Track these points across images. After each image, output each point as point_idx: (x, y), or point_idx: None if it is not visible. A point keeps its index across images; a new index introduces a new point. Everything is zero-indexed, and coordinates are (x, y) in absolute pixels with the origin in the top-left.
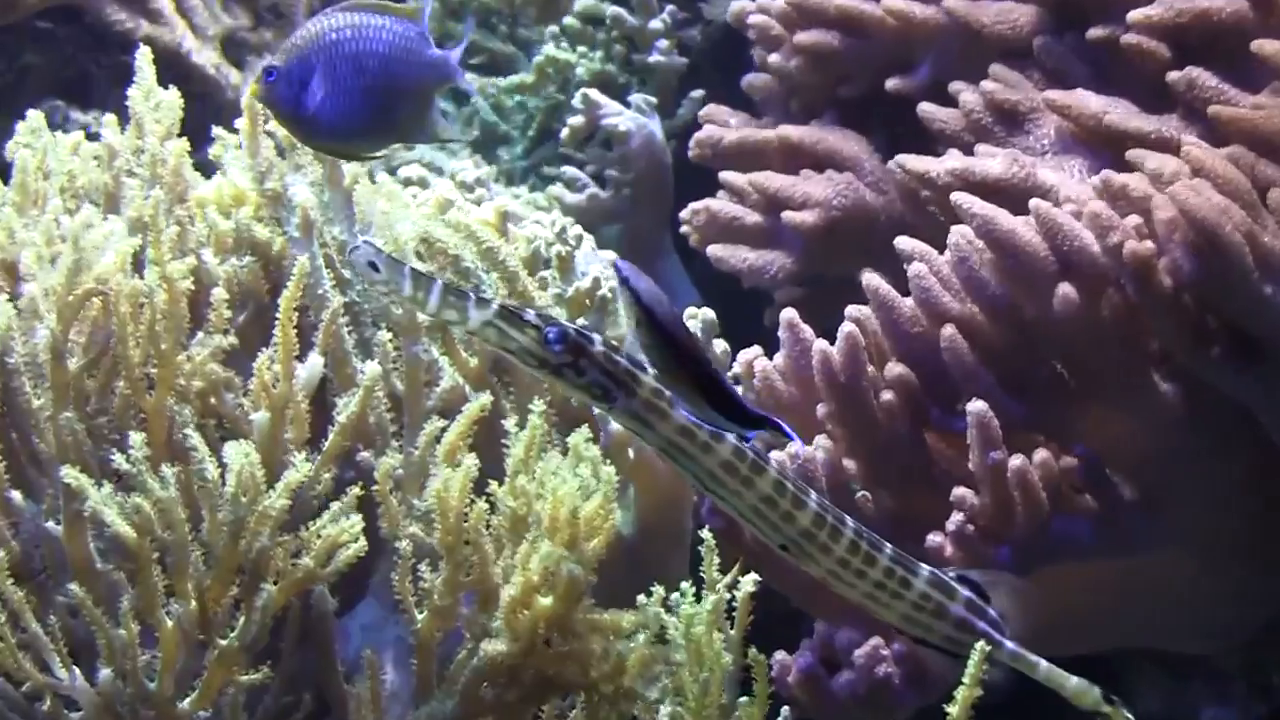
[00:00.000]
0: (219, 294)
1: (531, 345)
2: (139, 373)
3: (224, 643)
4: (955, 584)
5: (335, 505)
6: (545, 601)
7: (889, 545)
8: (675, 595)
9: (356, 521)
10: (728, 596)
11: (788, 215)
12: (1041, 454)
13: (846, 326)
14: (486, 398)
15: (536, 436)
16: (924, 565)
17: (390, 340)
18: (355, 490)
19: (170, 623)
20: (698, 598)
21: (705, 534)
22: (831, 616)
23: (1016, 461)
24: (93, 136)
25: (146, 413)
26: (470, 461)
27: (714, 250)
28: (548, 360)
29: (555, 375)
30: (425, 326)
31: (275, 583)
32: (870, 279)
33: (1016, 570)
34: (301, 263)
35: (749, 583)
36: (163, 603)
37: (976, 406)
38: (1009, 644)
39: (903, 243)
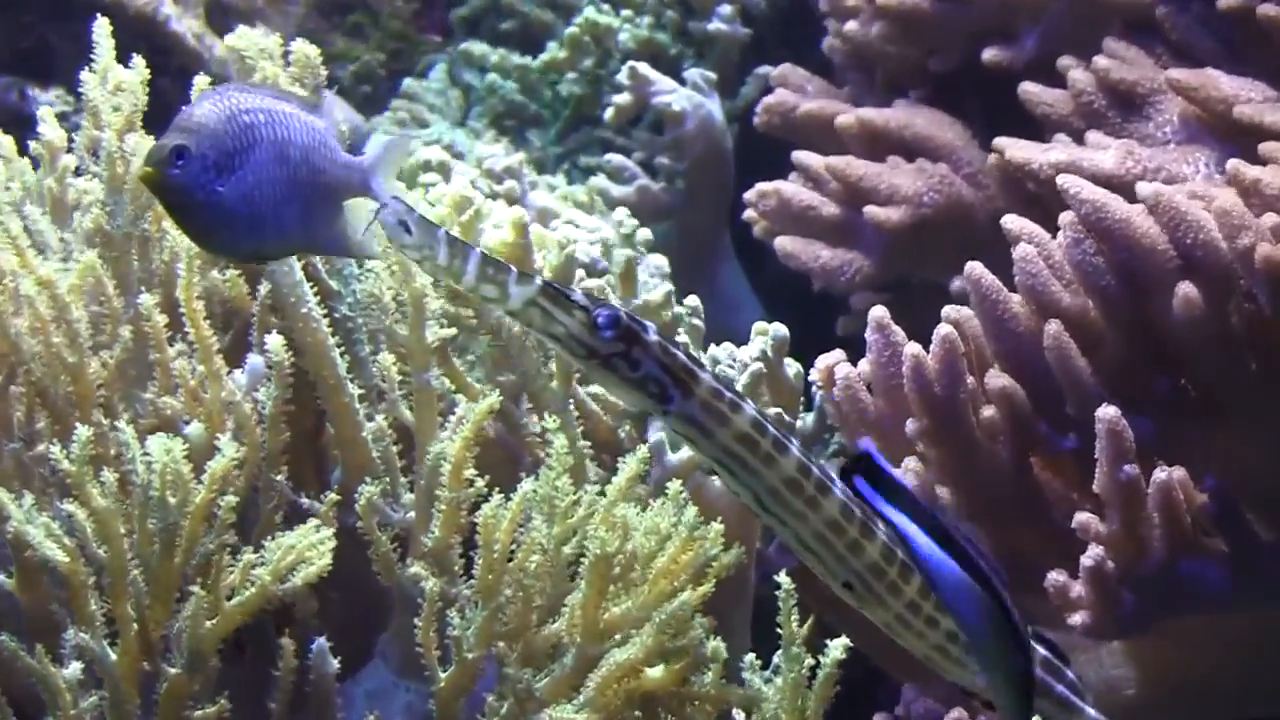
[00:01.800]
0: (194, 306)
1: (580, 330)
2: (55, 392)
3: (173, 671)
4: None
5: (310, 522)
6: (656, 674)
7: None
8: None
9: (326, 535)
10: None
11: (871, 211)
12: (1179, 472)
13: (943, 328)
14: (495, 397)
15: (636, 466)
16: None
17: (394, 364)
18: (333, 496)
19: (114, 656)
20: (764, 664)
21: (782, 578)
22: (916, 677)
23: (1162, 475)
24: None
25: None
26: (529, 486)
27: (783, 243)
28: (597, 349)
29: (605, 368)
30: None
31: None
32: (974, 268)
33: (1135, 622)
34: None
35: (838, 648)
36: (104, 633)
37: (1108, 413)
38: (1090, 710)
39: (1010, 221)
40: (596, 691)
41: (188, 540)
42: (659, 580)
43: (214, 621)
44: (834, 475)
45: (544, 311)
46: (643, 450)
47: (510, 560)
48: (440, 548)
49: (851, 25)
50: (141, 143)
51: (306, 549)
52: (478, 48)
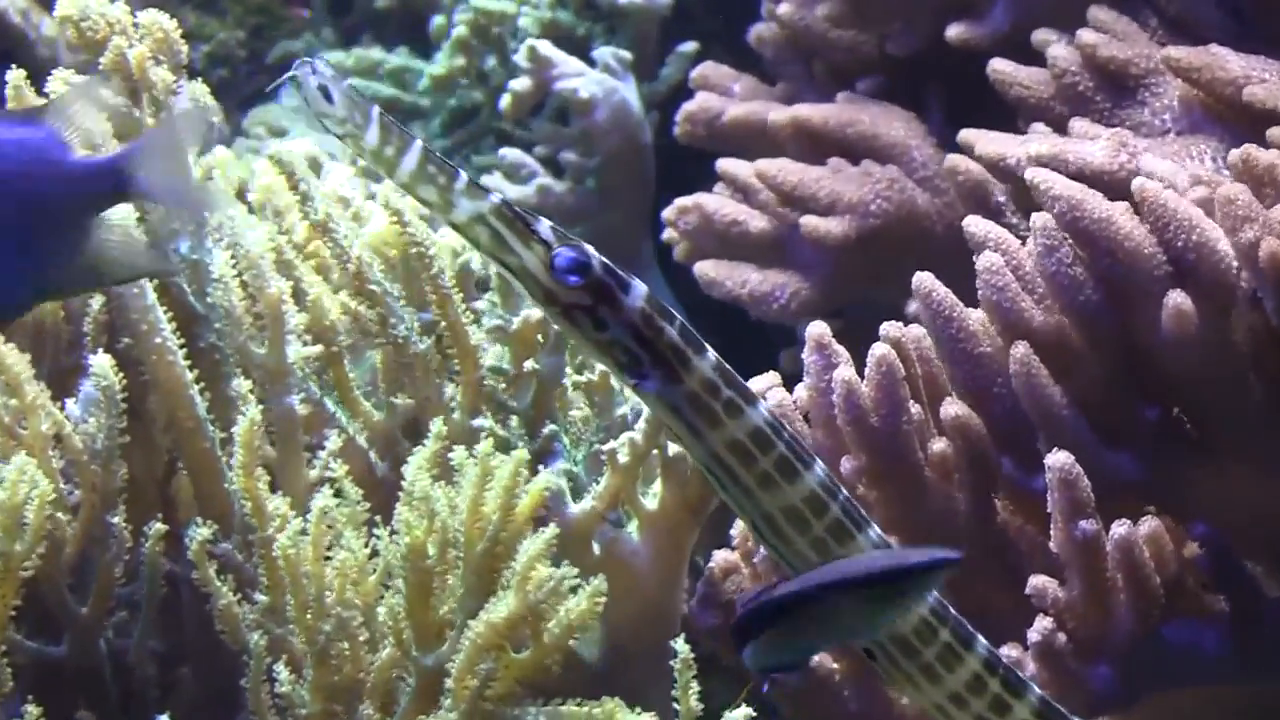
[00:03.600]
0: None
1: (537, 268)
2: None
3: None
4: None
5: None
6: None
7: (982, 641)
8: None
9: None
10: None
11: (808, 222)
12: (1151, 524)
13: (879, 349)
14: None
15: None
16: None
17: (251, 389)
18: (158, 527)
19: None
20: None
21: (679, 645)
22: None
23: (1121, 531)
24: None
25: None
26: (324, 502)
27: (705, 269)
28: (555, 295)
29: (565, 320)
30: (307, 361)
31: None
32: (923, 279)
33: (1119, 697)
34: None
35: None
36: None
37: (1058, 459)
38: None
39: (973, 224)
40: (458, 698)
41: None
42: (486, 559)
43: None
44: (864, 513)
45: (495, 235)
46: (507, 466)
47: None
48: (275, 599)
49: (787, 6)
50: None
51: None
52: (333, 55)
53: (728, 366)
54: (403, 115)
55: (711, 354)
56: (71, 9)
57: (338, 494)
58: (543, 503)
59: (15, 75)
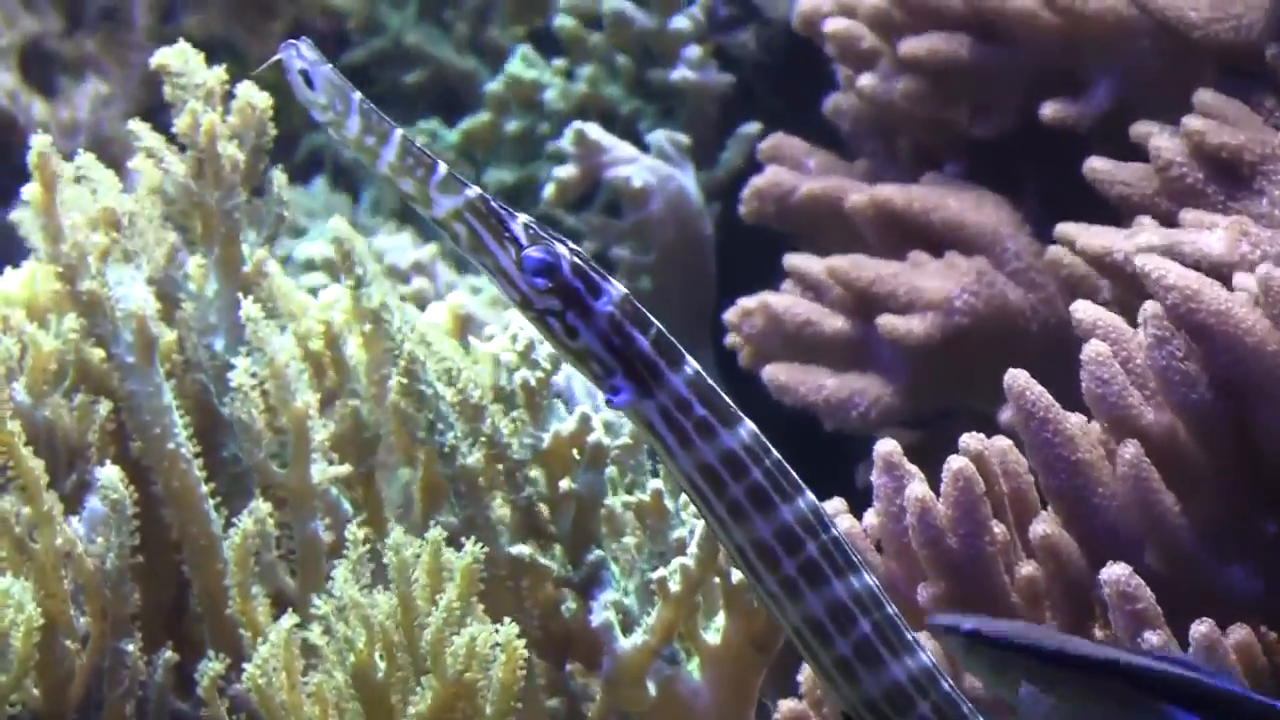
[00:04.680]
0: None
1: (511, 268)
2: None
3: None
4: None
5: None
6: None
7: None
8: None
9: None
10: None
11: (887, 322)
12: (1241, 632)
13: (956, 461)
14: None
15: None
16: None
17: (271, 513)
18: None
19: None
20: None
21: None
22: None
23: (1202, 629)
24: None
25: None
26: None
27: (775, 374)
28: (529, 299)
29: (541, 326)
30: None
31: None
32: (1016, 377)
33: None
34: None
35: None
36: None
37: (1114, 572)
38: None
39: (1081, 309)
40: None
41: None
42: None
43: None
44: (855, 553)
45: (472, 232)
46: (425, 551)
47: None
48: None
49: (868, 79)
50: None
51: None
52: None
53: (709, 382)
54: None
55: (690, 367)
56: (170, 59)
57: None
58: (475, 577)
59: (40, 141)
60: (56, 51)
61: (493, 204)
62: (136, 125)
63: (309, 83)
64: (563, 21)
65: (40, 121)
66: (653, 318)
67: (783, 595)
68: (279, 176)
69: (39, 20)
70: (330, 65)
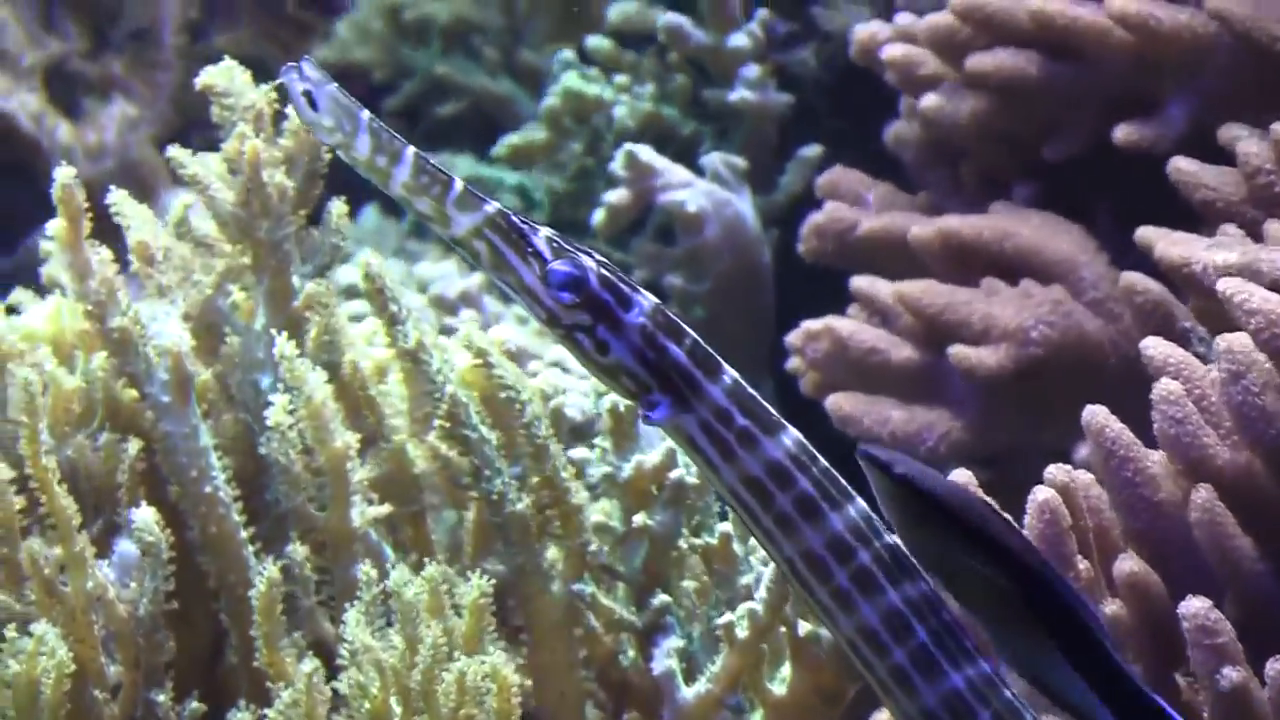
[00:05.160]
0: (44, 467)
1: (535, 284)
2: None
3: None
4: None
5: None
6: None
7: None
8: None
9: None
10: None
11: (958, 352)
12: None
13: (1041, 493)
14: None
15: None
16: None
17: (308, 557)
18: (195, 707)
19: None
20: None
21: None
22: None
23: (1278, 667)
24: None
25: None
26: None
27: (839, 403)
28: (557, 315)
29: (569, 343)
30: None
31: None
32: (1095, 413)
33: None
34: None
35: None
36: None
37: (1192, 606)
38: None
39: (1151, 346)
40: None
41: None
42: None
43: None
44: (908, 555)
45: (494, 249)
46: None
47: None
48: None
49: (932, 99)
50: None
51: None
52: None
53: (748, 390)
54: None
55: (728, 375)
56: (216, 78)
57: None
58: (483, 615)
59: (64, 173)
60: (81, 72)
61: (513, 218)
62: (178, 152)
63: (313, 104)
64: (596, 44)
65: (66, 145)
66: (687, 327)
67: (835, 607)
68: (338, 205)
69: (63, 40)
70: (335, 84)
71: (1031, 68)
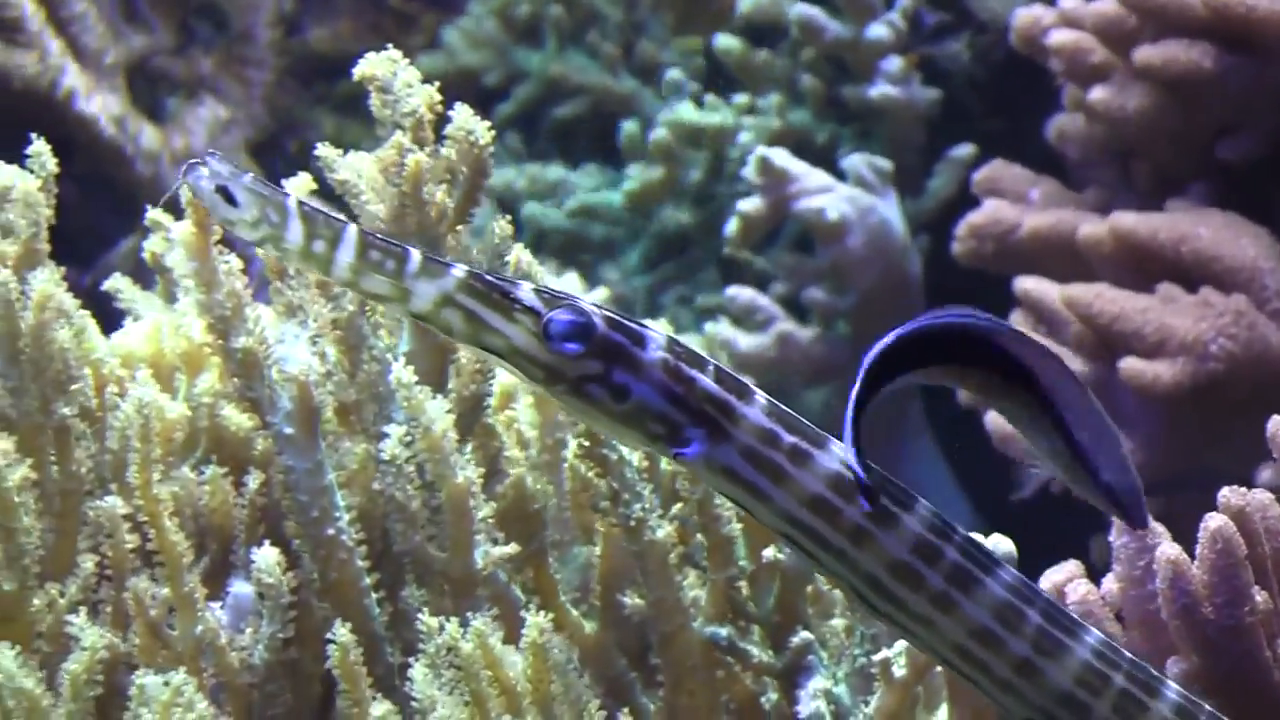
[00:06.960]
0: (154, 505)
1: (527, 343)
2: None
3: None
4: None
5: None
6: None
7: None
8: None
9: None
10: None
11: (1131, 366)
12: None
13: (1215, 520)
14: None
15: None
16: None
17: (426, 600)
18: None
19: None
20: None
21: None
22: None
23: None
24: None
25: None
26: None
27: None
28: (560, 370)
29: (577, 398)
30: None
31: None
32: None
33: None
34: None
35: None
36: None
37: None
38: None
39: None
40: None
41: None
42: None
43: None
44: (992, 555)
45: (469, 315)
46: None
47: None
48: None
49: (1101, 91)
50: (48, 285)
51: None
52: (501, 174)
53: (783, 407)
54: (592, 248)
55: (761, 396)
56: (375, 70)
57: None
58: (544, 655)
59: (153, 212)
60: (167, 70)
61: (488, 278)
62: (328, 151)
63: (230, 200)
64: (727, 45)
65: (151, 151)
66: (705, 354)
67: (935, 612)
68: (502, 226)
69: (147, 36)
70: (248, 173)
71: (1206, 60)
